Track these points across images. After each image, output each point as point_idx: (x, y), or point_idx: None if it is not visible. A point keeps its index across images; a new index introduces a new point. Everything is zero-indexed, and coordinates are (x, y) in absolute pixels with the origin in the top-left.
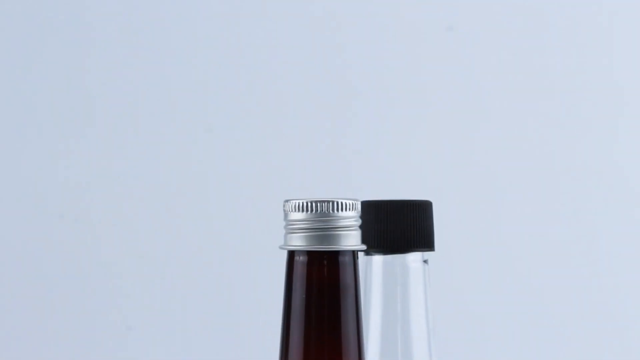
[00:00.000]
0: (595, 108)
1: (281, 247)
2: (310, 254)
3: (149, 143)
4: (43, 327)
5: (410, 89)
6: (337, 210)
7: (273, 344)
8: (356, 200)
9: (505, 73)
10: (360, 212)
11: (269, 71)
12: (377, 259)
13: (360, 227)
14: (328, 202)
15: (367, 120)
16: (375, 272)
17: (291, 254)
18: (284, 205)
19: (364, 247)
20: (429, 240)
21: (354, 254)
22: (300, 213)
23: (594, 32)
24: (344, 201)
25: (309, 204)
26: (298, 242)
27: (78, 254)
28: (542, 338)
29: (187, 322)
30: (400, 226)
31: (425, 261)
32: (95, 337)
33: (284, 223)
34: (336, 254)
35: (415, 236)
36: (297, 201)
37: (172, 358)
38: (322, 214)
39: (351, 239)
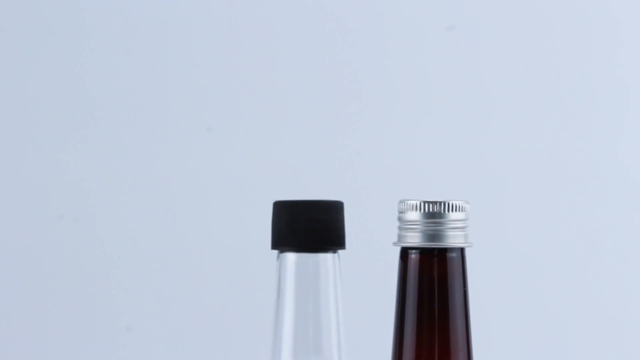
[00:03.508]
0: (598, 107)
1: (395, 244)
2: (422, 250)
3: (149, 143)
4: (43, 327)
5: (410, 89)
6: (448, 210)
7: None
8: (466, 201)
9: (506, 73)
10: (469, 213)
11: (269, 71)
12: (291, 257)
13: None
14: (440, 203)
15: (367, 120)
16: (288, 269)
17: (404, 251)
18: (399, 205)
19: (472, 244)
20: (339, 239)
21: (462, 250)
22: (415, 213)
23: (598, 32)
24: (454, 202)
25: (423, 205)
26: (411, 239)
27: (78, 254)
28: (540, 338)
29: (187, 322)
30: (313, 225)
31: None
32: (95, 337)
33: (397, 222)
34: (445, 251)
35: (327, 235)
36: (412, 202)
37: (172, 358)
38: (434, 214)
39: (459, 237)
